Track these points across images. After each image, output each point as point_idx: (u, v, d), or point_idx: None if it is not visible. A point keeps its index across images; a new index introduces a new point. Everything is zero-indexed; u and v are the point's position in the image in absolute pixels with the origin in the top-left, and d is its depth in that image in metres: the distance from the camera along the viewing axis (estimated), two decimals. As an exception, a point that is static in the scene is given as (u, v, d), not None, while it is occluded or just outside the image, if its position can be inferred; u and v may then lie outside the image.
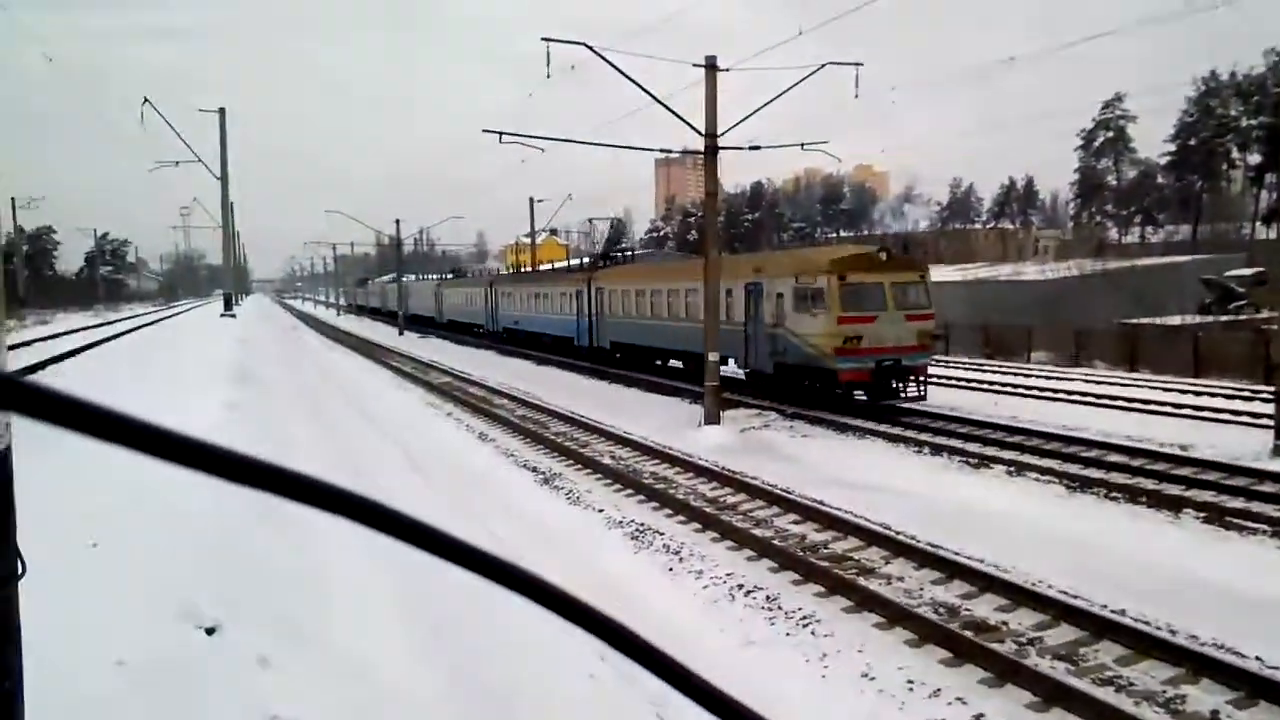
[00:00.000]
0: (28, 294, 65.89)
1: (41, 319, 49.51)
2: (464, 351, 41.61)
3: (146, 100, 31.14)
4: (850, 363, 19.21)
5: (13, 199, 66.17)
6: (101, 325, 44.41)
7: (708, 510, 12.19)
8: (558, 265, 49.39)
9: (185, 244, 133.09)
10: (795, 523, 11.72)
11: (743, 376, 23.50)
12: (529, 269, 53.15)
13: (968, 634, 7.79)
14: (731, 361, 22.66)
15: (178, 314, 63.15)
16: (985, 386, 24.39)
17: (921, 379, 19.93)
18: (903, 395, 19.89)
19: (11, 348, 24.98)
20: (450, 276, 61.33)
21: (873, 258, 20.47)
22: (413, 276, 71.24)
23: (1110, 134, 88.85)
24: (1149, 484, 13.00)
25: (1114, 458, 14.71)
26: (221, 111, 36.57)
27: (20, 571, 1.50)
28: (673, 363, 27.88)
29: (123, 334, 34.97)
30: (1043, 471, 13.88)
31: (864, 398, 20.30)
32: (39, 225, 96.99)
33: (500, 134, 21.28)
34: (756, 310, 21.88)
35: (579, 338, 32.92)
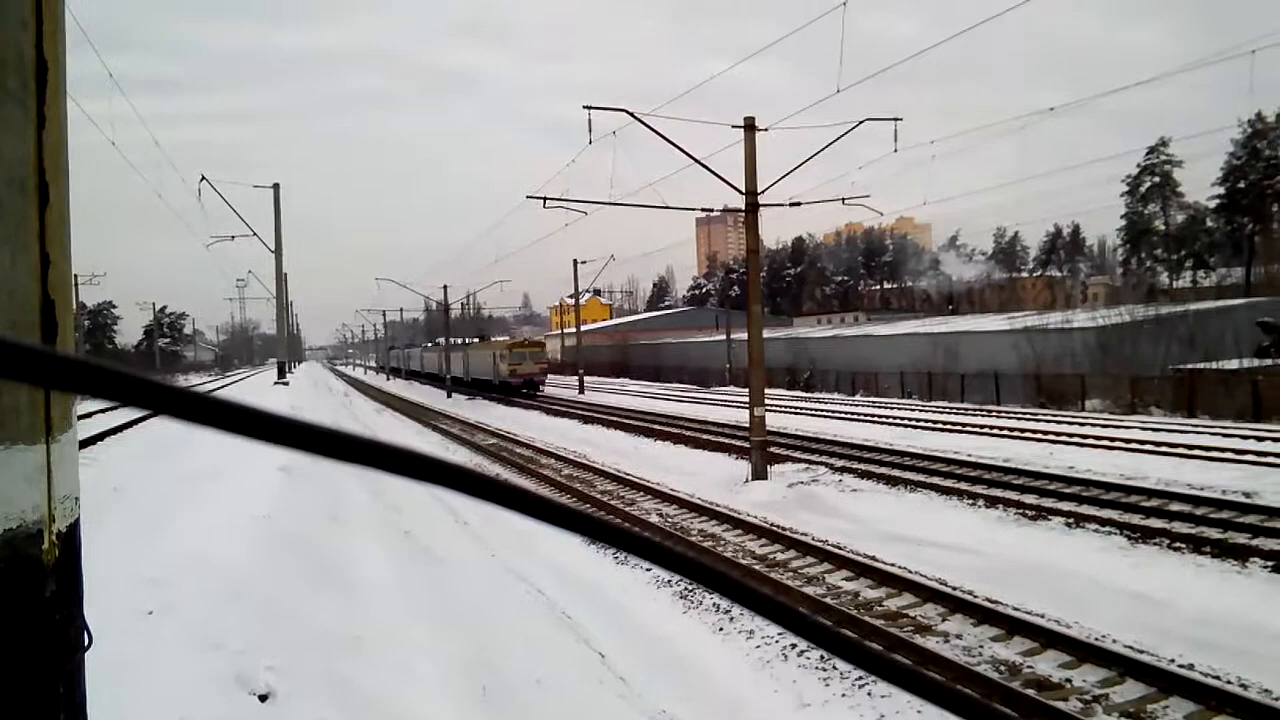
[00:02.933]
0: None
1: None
2: (511, 413, 41.95)
3: (204, 178, 32.26)
4: (515, 379, 49.89)
5: (75, 275, 68.44)
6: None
7: (758, 568, 12.05)
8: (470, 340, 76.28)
9: (240, 315, 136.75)
10: (848, 579, 11.53)
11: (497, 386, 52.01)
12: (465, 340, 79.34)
13: (1030, 692, 7.57)
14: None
15: (233, 382, 64.50)
16: (1039, 436, 23.94)
17: (541, 386, 50.90)
18: (537, 392, 49.29)
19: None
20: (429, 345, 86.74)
21: (523, 342, 54.21)
22: (424, 343, 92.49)
23: (1156, 179, 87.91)
24: (1214, 533, 12.60)
25: (1176, 507, 14.31)
26: (276, 187, 37.72)
27: (87, 644, 1.56)
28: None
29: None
30: (1103, 522, 13.53)
31: (525, 392, 49.24)
32: (100, 301, 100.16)
33: (545, 199, 21.67)
34: (495, 362, 53.05)
35: (463, 376, 62.66)
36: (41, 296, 1.39)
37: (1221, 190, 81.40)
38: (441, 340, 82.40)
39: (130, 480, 12.35)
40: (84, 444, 18.23)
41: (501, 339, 65.18)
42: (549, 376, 55.25)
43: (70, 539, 1.51)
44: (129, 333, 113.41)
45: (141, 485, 11.97)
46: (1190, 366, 34.48)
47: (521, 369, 50.22)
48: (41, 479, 1.41)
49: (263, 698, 4.88)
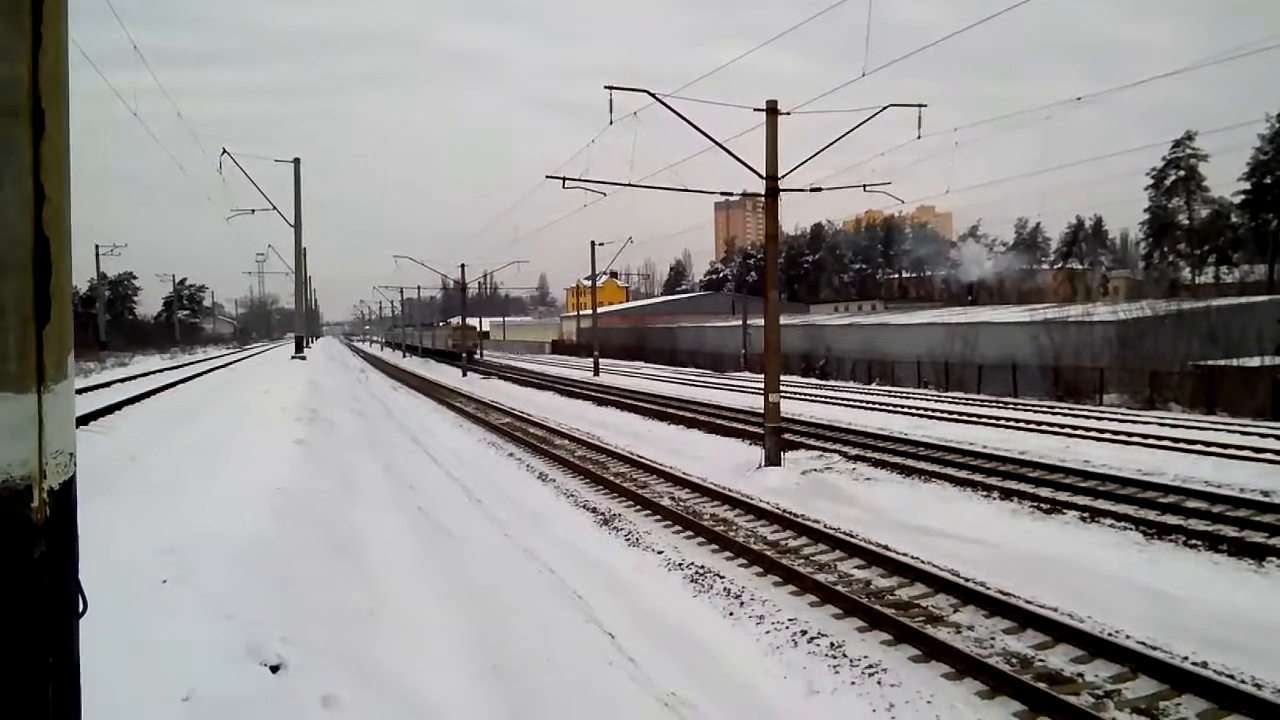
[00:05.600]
0: (108, 337, 68.21)
1: (120, 361, 51.19)
2: (525, 393, 42.05)
3: (225, 152, 32.28)
4: (460, 351, 68.00)
5: (96, 246, 68.93)
6: (178, 367, 45.74)
7: (769, 554, 12.01)
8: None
9: (259, 289, 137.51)
10: (859, 568, 11.49)
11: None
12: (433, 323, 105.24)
13: (1041, 685, 7.52)
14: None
15: (251, 356, 64.85)
16: (1056, 429, 23.78)
17: (475, 353, 74.30)
18: (477, 360, 72.77)
19: (91, 389, 25.83)
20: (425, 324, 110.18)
21: (466, 325, 72.10)
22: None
23: (1181, 173, 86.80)
24: (1230, 531, 12.50)
25: (1192, 504, 14.20)
26: (296, 162, 37.75)
27: (81, 609, 1.44)
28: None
29: (199, 375, 35.99)
30: (1118, 518, 13.43)
31: (464, 356, 66.18)
32: (121, 272, 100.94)
33: (564, 179, 21.59)
34: (448, 339, 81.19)
35: (433, 347, 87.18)
36: (34, 232, 1.27)
37: (1247, 186, 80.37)
38: (444, 321, 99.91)
39: (147, 450, 12.43)
40: (101, 413, 18.38)
41: (455, 320, 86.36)
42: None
43: (64, 497, 1.36)
44: (149, 304, 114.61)
45: (158, 455, 12.04)
46: (1211, 363, 34.17)
47: (463, 344, 71.16)
48: (31, 431, 1.28)
49: (274, 669, 4.89)
